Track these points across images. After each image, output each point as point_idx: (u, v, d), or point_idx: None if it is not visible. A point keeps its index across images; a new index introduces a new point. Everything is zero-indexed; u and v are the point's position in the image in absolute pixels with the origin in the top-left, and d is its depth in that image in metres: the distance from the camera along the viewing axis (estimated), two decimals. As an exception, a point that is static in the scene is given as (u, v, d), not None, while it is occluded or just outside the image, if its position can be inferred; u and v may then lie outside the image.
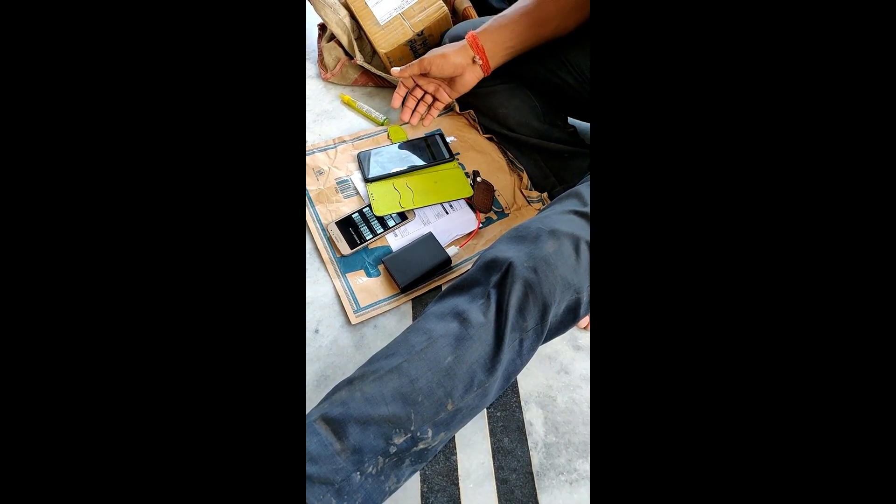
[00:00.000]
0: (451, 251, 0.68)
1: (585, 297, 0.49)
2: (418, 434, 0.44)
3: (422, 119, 0.83)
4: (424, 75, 0.74)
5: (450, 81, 0.74)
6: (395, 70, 0.74)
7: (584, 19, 0.67)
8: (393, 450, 0.44)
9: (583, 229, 0.49)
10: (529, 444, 0.55)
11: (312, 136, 0.83)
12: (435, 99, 0.81)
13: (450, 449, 0.55)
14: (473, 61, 0.70)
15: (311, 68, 0.95)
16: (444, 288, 0.67)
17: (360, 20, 0.84)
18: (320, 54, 0.93)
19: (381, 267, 0.67)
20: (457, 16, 0.89)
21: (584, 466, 0.54)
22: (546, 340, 0.53)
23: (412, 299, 0.66)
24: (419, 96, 0.80)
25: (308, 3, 0.88)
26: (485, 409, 0.57)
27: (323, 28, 0.95)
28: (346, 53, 0.89)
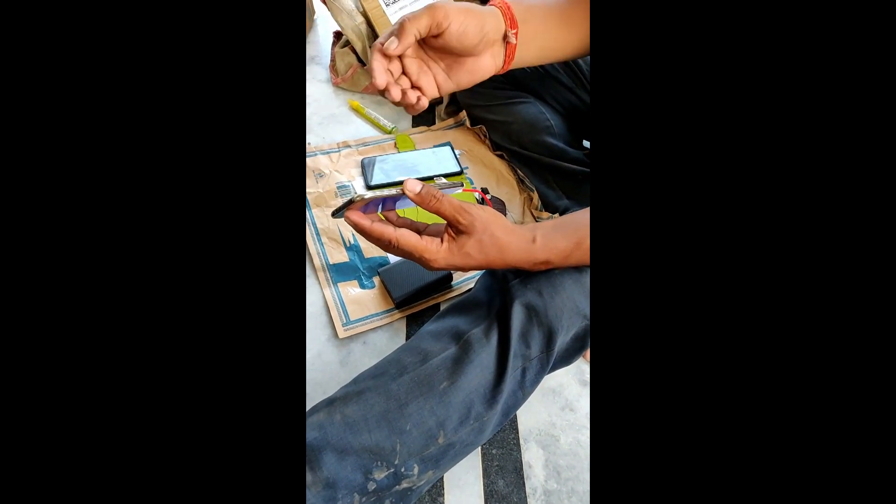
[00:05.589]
0: (452, 268, 0.63)
1: None
2: (402, 470, 0.39)
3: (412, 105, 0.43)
4: (434, 38, 0.40)
5: (455, 61, 0.43)
6: (391, 46, 0.38)
7: None
8: (372, 486, 0.38)
9: None
10: (527, 490, 0.49)
11: (316, 139, 0.80)
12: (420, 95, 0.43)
13: (436, 489, 0.48)
14: (505, 38, 0.43)
15: (323, 73, 0.93)
16: (442, 307, 0.62)
17: (376, 27, 0.82)
18: (333, 59, 0.91)
19: (376, 279, 0.62)
20: (475, 31, 0.87)
21: (589, 520, 0.47)
22: (551, 370, 0.47)
23: (407, 316, 0.61)
24: (405, 85, 0.42)
25: (326, 10, 0.86)
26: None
27: (339, 35, 0.94)
28: (359, 60, 0.87)
